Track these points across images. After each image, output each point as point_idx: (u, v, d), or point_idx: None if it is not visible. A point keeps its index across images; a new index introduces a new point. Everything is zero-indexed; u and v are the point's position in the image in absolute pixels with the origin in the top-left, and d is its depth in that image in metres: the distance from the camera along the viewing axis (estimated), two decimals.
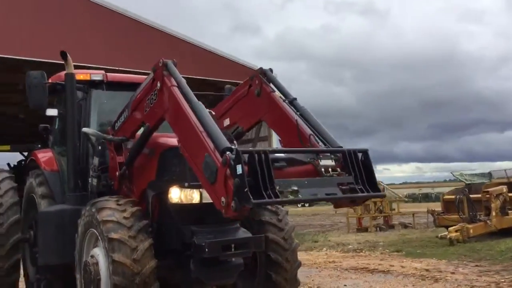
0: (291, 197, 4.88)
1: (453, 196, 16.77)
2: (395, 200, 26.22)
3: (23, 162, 8.71)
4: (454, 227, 14.74)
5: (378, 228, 23.07)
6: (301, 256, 13.13)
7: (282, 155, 5.48)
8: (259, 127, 18.84)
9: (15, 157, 9.21)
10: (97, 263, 6.00)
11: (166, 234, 6.36)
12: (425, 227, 22.55)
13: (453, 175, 29.56)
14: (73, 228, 6.41)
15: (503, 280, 9.21)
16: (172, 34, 17.12)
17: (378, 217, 24.83)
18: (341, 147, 5.78)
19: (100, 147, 7.30)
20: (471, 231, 14.65)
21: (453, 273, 10.05)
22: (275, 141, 19.01)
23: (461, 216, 15.40)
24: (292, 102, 6.37)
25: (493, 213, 15.18)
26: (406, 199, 31.89)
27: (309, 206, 60.62)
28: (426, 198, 56.36)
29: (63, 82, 7.44)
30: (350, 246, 15.64)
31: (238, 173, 4.57)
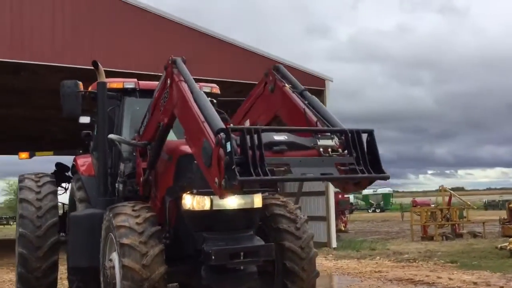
0: (280, 176, 4.79)
1: None
2: (463, 208, 25.04)
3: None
4: None
5: (444, 237, 22.14)
6: (351, 264, 12.99)
7: (283, 139, 5.27)
8: None
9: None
10: (113, 267, 6.15)
11: (181, 240, 6.44)
12: (496, 236, 21.40)
13: None
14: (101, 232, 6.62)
15: None
16: (223, 39, 17.29)
17: (445, 225, 23.85)
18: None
19: (127, 153, 7.55)
20: None
21: (502, 287, 9.43)
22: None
23: None
24: (302, 93, 6.24)
25: None
26: (475, 207, 30.31)
27: (380, 212, 59.44)
28: None
29: (95, 91, 7.74)
30: (406, 256, 15.10)
31: (227, 151, 4.58)
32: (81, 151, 9.19)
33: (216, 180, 4.75)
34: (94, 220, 7.01)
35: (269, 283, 6.80)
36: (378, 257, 15.09)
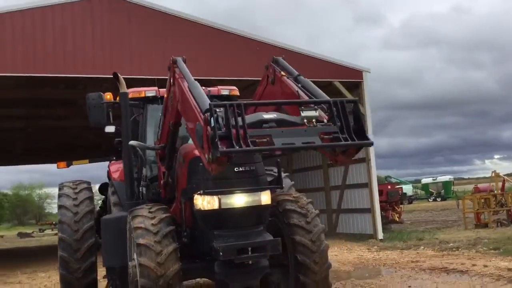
0: (262, 146, 5.08)
1: None
2: None
3: None
4: None
5: (499, 224, 21.50)
6: (391, 255, 13.00)
7: (273, 117, 5.55)
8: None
9: None
10: (135, 266, 6.59)
11: (197, 238, 6.81)
12: None
13: None
14: None
15: None
16: (259, 40, 17.58)
17: (500, 212, 23.14)
18: None
19: (150, 158, 8.03)
20: None
21: None
22: (371, 137, 18.69)
23: None
24: (296, 78, 6.51)
25: None
26: None
27: (441, 200, 57.86)
28: None
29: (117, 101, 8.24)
30: (451, 244, 14.88)
31: (211, 126, 4.93)
32: (114, 158, 9.76)
33: (206, 156, 5.10)
34: (122, 223, 7.44)
35: (285, 277, 7.07)
36: (422, 247, 14.96)
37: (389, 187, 26.60)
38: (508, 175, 34.14)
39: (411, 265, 11.37)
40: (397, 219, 28.41)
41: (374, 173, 18.96)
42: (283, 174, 9.95)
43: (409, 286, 9.04)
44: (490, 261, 11.04)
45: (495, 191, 25.98)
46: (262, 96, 7.23)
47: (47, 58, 14.84)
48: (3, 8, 14.67)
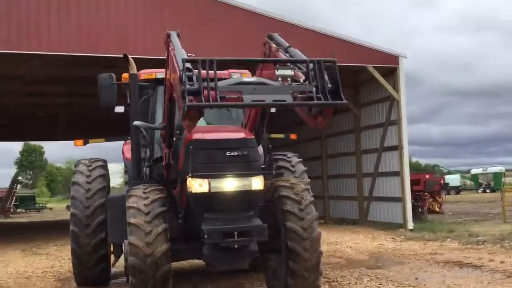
0: (231, 102, 5.20)
1: None
2: None
3: None
4: None
5: None
6: (414, 246, 12.77)
7: (253, 79, 5.61)
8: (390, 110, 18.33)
9: None
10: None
11: (190, 220, 6.92)
12: None
13: None
14: None
15: None
16: (291, 22, 17.39)
17: None
18: None
19: (155, 139, 8.18)
20: None
21: None
22: (404, 126, 18.33)
23: None
24: (287, 49, 6.50)
25: None
26: None
27: (490, 192, 56.01)
28: None
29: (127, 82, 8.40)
30: (479, 238, 14.44)
31: (183, 81, 5.04)
32: (129, 138, 9.97)
33: (180, 112, 5.24)
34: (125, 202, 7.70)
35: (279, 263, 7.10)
36: (449, 239, 14.60)
37: (427, 176, 25.98)
38: None
39: (427, 257, 11.13)
40: (438, 209, 27.80)
41: (407, 161, 18.54)
42: (296, 160, 9.99)
43: (416, 278, 8.85)
44: (510, 257, 10.65)
45: None
46: (262, 74, 7.19)
47: (82, 38, 15.22)
48: None
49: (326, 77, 5.37)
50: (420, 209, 24.37)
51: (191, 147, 6.63)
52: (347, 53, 17.58)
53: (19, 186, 46.98)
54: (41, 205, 47.24)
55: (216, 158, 6.50)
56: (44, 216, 36.93)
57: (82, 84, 18.37)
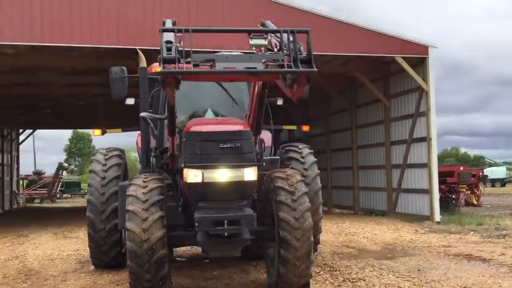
0: (204, 69, 5.50)
1: None
2: None
3: None
4: None
5: None
6: (433, 239, 12.76)
7: (234, 53, 6.00)
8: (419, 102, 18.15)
9: None
10: None
11: (188, 208, 7.24)
12: None
13: None
14: None
15: None
16: (314, 12, 17.40)
17: None
18: None
19: (162, 130, 8.53)
20: None
21: None
22: (433, 117, 18.08)
23: None
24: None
25: None
26: None
27: None
28: None
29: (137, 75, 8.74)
30: (503, 232, 14.23)
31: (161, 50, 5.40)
32: None
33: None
34: None
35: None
36: (472, 233, 14.44)
37: (461, 168, 25.52)
38: None
39: (439, 250, 11.10)
40: (475, 202, 27.29)
41: (435, 152, 18.30)
42: (307, 151, 10.17)
43: (419, 270, 8.90)
44: None
45: None
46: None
47: (111, 30, 15.76)
48: None
49: (300, 46, 5.57)
50: (453, 201, 24.06)
51: (187, 139, 6.93)
52: (374, 43, 17.52)
53: (64, 172, 48.81)
54: (86, 190, 48.92)
55: (210, 150, 6.77)
56: None
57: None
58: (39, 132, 48.40)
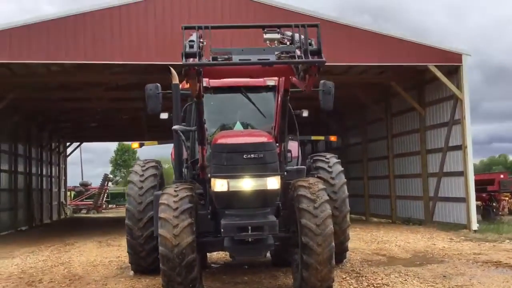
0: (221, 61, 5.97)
1: None
2: None
3: None
4: None
5: None
6: (464, 247, 12.80)
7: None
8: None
9: None
10: None
11: (216, 216, 7.70)
12: None
13: None
14: None
15: None
16: (349, 25, 17.73)
17: None
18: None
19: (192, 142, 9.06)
20: None
21: None
22: (468, 125, 18.01)
23: None
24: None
25: None
26: None
27: None
28: None
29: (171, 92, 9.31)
30: None
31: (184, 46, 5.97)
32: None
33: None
34: None
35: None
36: (507, 241, 14.34)
37: (501, 176, 25.11)
38: None
39: (469, 257, 11.16)
40: None
41: (471, 161, 18.21)
42: (334, 161, 10.52)
43: (444, 276, 9.06)
44: None
45: None
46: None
47: (150, 48, 16.54)
48: (102, 5, 16.52)
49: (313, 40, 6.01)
50: (494, 210, 23.69)
51: (214, 150, 7.42)
52: (407, 53, 17.70)
53: (110, 183, 50.37)
54: None
55: (235, 160, 7.24)
56: None
57: None
58: (87, 144, 50.30)
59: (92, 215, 41.36)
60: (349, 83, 21.90)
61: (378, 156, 24.63)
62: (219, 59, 6.04)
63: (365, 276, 9.20)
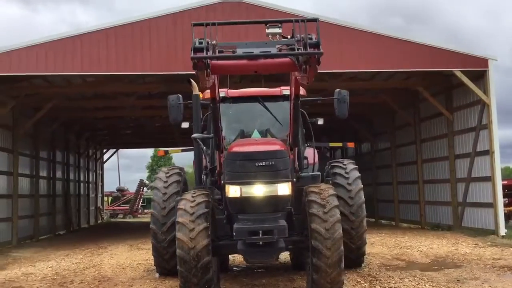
0: (226, 54, 6.39)
1: None
2: None
3: None
4: None
5: None
6: (486, 251, 12.84)
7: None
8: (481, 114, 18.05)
9: None
10: None
11: (230, 220, 8.11)
12: None
13: None
14: None
15: None
16: (375, 32, 17.95)
17: None
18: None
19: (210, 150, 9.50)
20: None
21: None
22: (495, 130, 17.90)
23: None
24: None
25: None
26: None
27: None
28: None
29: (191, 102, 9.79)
30: None
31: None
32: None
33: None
34: None
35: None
36: None
37: None
38: None
39: (488, 262, 11.22)
40: None
41: (498, 166, 18.10)
42: (351, 167, 10.81)
43: (458, 280, 9.20)
44: None
45: None
46: None
47: (178, 59, 17.15)
48: (131, 18, 17.23)
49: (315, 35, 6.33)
50: None
51: (228, 158, 7.85)
52: (432, 58, 17.77)
53: (145, 188, 51.50)
54: None
55: (247, 168, 7.65)
56: None
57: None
58: (124, 150, 51.58)
59: (128, 219, 42.46)
60: (377, 88, 22.08)
61: (407, 161, 24.60)
62: (224, 51, 6.48)
63: (380, 280, 9.44)
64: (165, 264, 10.69)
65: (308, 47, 6.23)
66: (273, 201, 7.64)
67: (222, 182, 7.79)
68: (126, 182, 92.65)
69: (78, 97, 22.87)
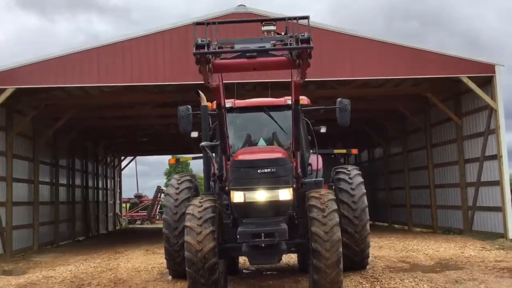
0: (225, 50, 6.89)
1: None
2: None
3: None
4: None
5: None
6: (490, 254, 13.10)
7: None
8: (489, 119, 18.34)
9: None
10: None
11: (236, 224, 8.61)
12: None
13: None
14: None
15: None
16: (382, 40, 18.37)
17: None
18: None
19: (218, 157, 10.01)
20: None
21: None
22: (503, 135, 18.15)
23: None
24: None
25: None
26: None
27: None
28: None
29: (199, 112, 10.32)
30: None
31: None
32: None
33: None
34: None
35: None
36: None
37: None
38: None
39: (489, 264, 11.53)
40: None
41: (506, 170, 18.33)
42: (355, 172, 11.24)
43: (456, 281, 9.56)
44: None
45: None
46: None
47: (191, 69, 17.73)
48: (145, 31, 17.89)
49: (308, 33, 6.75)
50: None
51: (233, 166, 8.36)
52: (439, 65, 18.12)
53: (163, 195, 52.23)
54: None
55: (251, 175, 8.15)
56: None
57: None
58: (142, 157, 52.46)
59: (146, 225, 43.20)
60: (388, 95, 22.44)
61: (419, 166, 24.88)
62: (223, 47, 7.00)
63: (381, 281, 9.84)
64: (177, 266, 11.18)
65: (300, 42, 6.71)
66: (275, 206, 8.13)
67: (227, 188, 8.30)
68: (144, 188, 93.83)
69: (95, 106, 23.62)
